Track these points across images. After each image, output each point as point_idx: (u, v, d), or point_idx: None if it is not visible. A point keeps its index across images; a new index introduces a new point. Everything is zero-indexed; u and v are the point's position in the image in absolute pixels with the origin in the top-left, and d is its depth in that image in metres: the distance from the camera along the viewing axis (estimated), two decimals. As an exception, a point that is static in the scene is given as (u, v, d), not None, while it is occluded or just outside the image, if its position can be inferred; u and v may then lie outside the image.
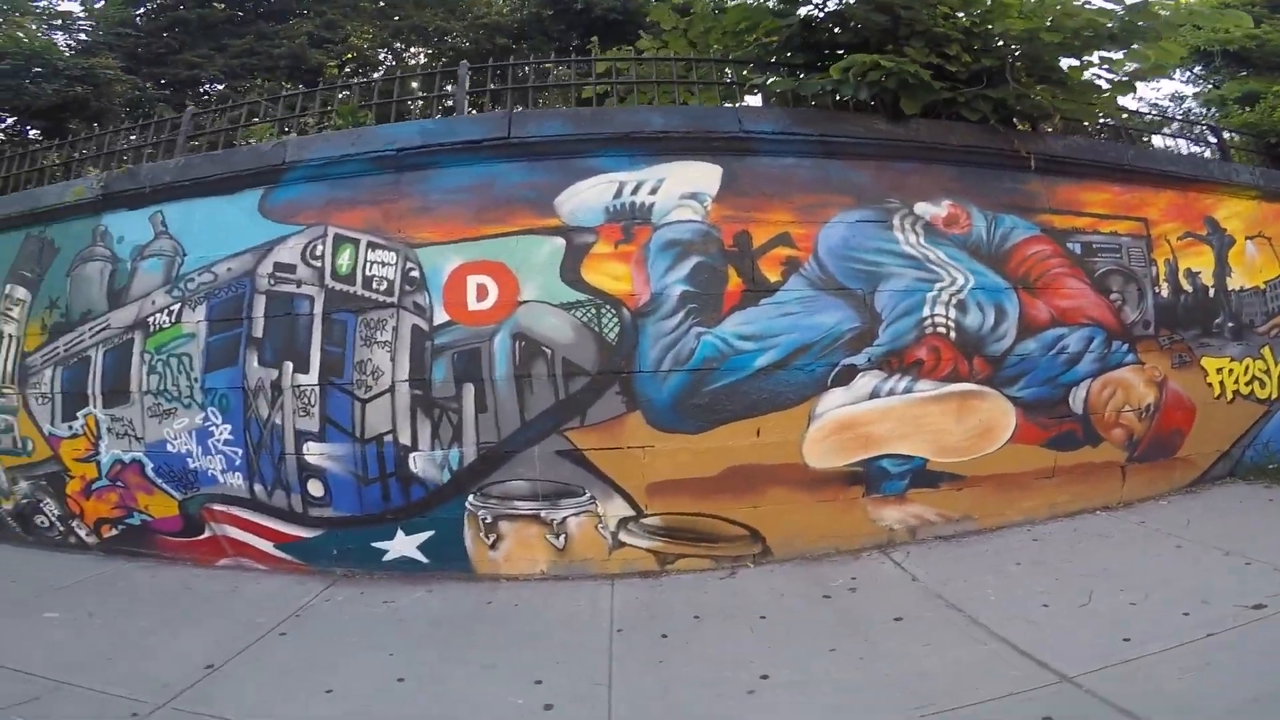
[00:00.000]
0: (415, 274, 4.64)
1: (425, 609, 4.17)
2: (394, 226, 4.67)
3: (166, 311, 4.97)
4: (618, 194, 4.60)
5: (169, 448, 4.95)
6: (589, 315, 4.52)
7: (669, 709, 2.94)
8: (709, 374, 4.50)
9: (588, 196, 4.60)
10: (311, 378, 4.67)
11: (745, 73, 5.31)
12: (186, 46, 9.31)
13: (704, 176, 4.62)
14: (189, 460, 4.91)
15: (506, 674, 3.27)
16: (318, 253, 4.72)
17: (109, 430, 5.11)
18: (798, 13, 4.98)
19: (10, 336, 5.44)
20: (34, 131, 7.41)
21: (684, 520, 4.53)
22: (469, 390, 4.57)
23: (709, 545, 4.53)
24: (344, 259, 4.69)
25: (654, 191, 4.60)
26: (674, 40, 5.60)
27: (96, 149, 5.76)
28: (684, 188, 4.60)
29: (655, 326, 4.51)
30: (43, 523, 5.53)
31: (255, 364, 4.76)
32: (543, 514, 4.53)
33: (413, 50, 11.41)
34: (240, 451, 4.81)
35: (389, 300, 4.64)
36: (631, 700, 2.99)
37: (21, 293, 5.43)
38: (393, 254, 4.66)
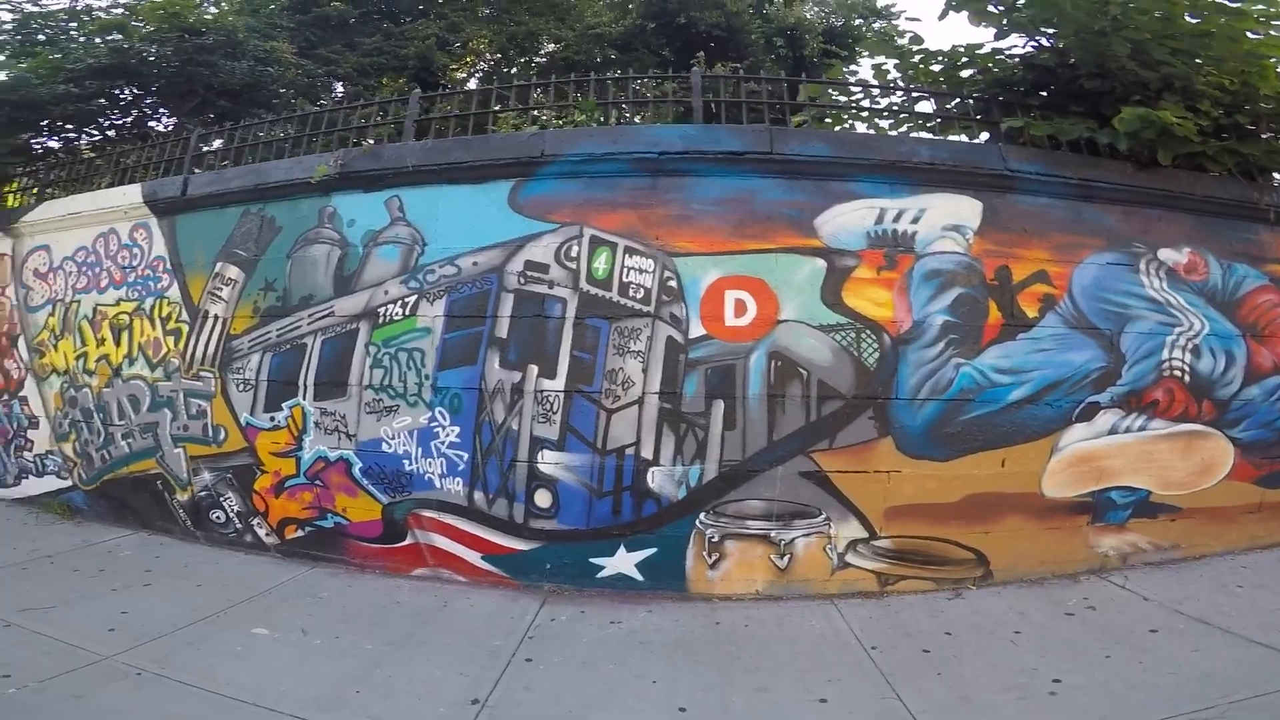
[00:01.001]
0: (673, 284, 4.57)
1: (657, 630, 4.05)
2: (652, 233, 4.60)
3: (401, 303, 4.80)
4: (879, 220, 4.61)
5: (384, 447, 4.78)
6: (848, 339, 4.50)
7: (977, 710, 2.97)
8: (964, 404, 4.49)
9: (849, 220, 4.60)
10: (558, 383, 4.56)
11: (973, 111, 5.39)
12: (322, 42, 9.26)
13: (966, 210, 4.65)
14: (405, 462, 4.74)
15: (785, 695, 3.20)
16: (573, 254, 4.64)
17: (317, 425, 4.92)
18: (1016, 54, 5.05)
19: (217, 317, 5.27)
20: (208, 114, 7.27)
21: (915, 543, 4.50)
22: (719, 407, 4.49)
23: (934, 568, 4.51)
24: (600, 262, 4.62)
25: (915, 220, 4.62)
26: (880, 72, 5.67)
27: (315, 127, 5.59)
28: (946, 219, 4.63)
29: (915, 354, 4.50)
30: (219, 518, 5.32)
31: (496, 365, 4.64)
32: (773, 534, 4.46)
33: (524, 58, 11.43)
34: (466, 456, 4.65)
35: (645, 309, 4.57)
36: (932, 709, 3.00)
37: (234, 272, 5.26)
38: (650, 261, 4.59)
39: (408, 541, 4.79)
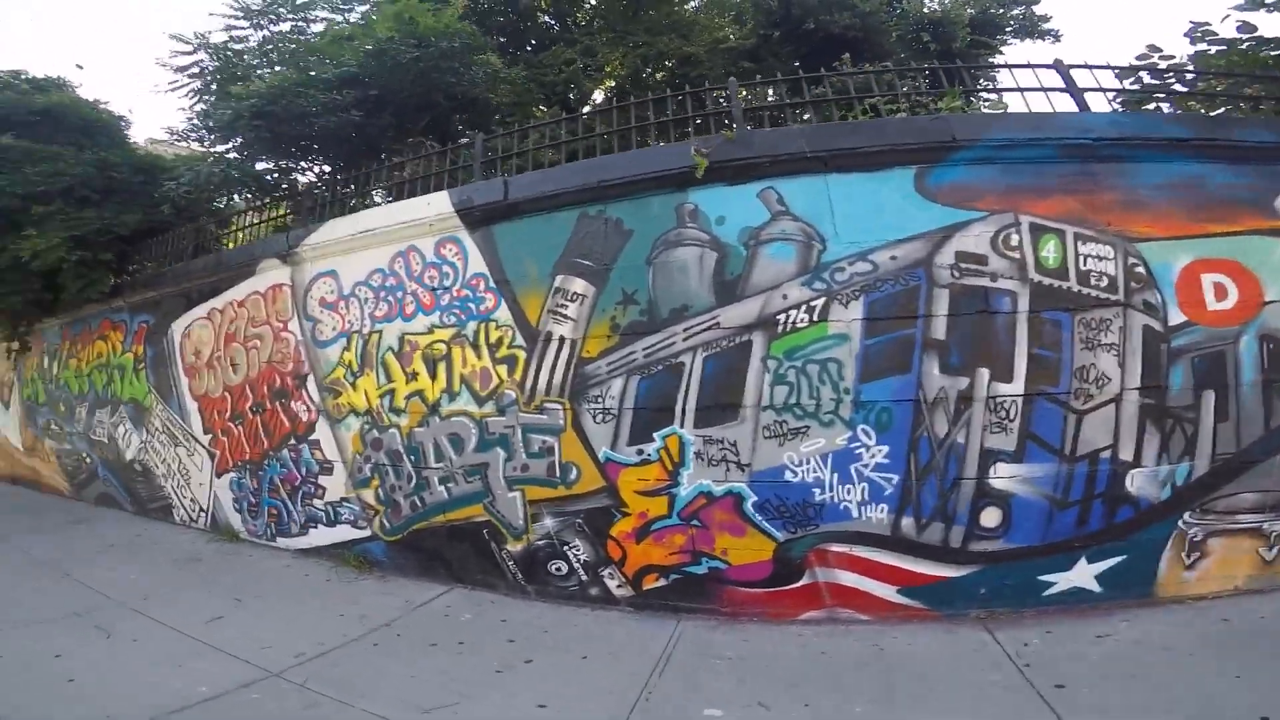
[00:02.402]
0: (1140, 270, 4.08)
1: (1164, 636, 3.60)
2: (1103, 219, 4.11)
3: (805, 308, 4.20)
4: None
5: (787, 476, 4.19)
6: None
7: None
8: None
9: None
10: (1015, 387, 3.99)
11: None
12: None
13: None
14: (815, 492, 4.16)
15: None
16: (1013, 243, 4.07)
17: (698, 456, 4.32)
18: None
19: (563, 340, 4.69)
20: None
21: None
22: (1208, 398, 3.98)
23: None
24: (1049, 251, 4.07)
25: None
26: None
27: (643, 116, 5.12)
28: None
29: None
30: (558, 570, 4.74)
31: (936, 371, 4.05)
32: (1264, 526, 4.01)
33: (660, 75, 10.99)
34: (895, 478, 4.09)
35: (1112, 298, 3.97)
36: None
37: (579, 285, 4.67)
38: (1108, 247, 4.08)
39: (803, 582, 4.22)
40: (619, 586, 4.56)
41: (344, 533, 5.71)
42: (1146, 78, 5.21)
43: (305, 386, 5.87)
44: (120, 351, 7.85)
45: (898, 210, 4.17)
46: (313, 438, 5.84)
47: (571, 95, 10.92)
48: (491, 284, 4.98)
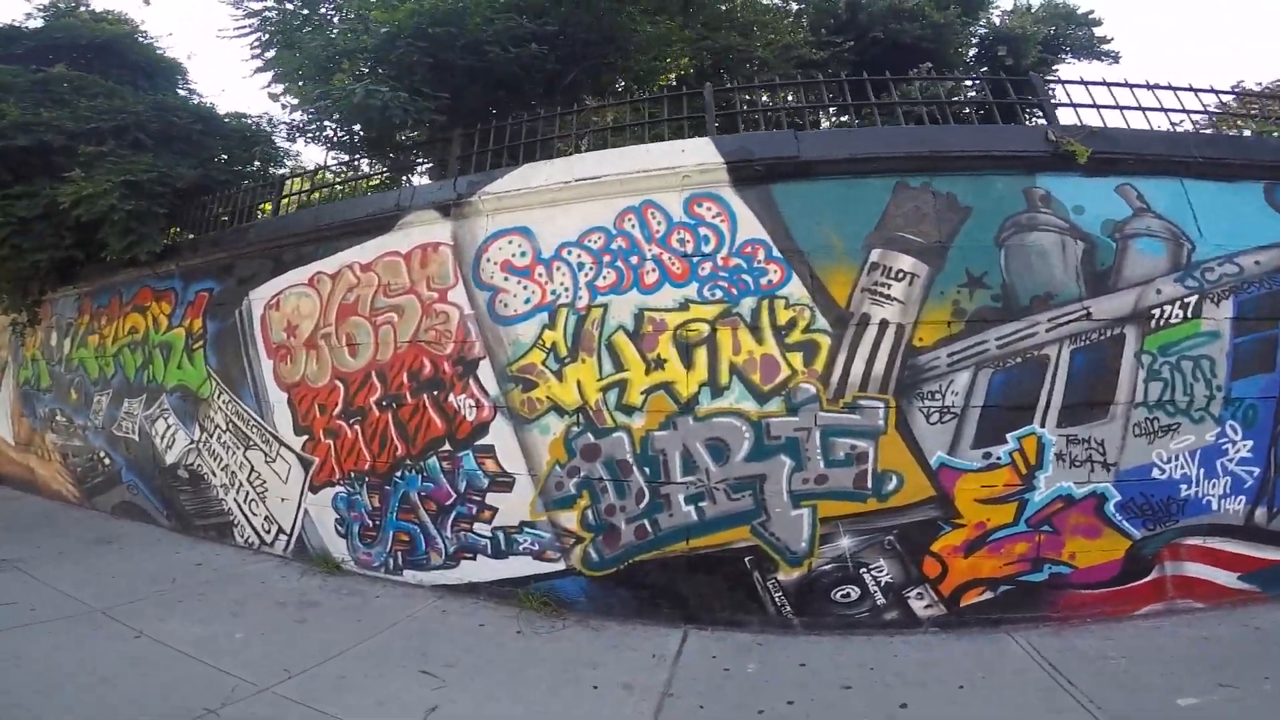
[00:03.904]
0: None
1: None
2: None
3: (1179, 304, 3.87)
4: None
5: (1154, 474, 3.87)
6: None
7: None
8: None
9: None
10: None
11: None
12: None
13: None
14: (1180, 488, 3.90)
15: None
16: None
17: (1059, 457, 3.83)
18: None
19: (885, 324, 3.87)
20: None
21: None
22: None
23: None
24: None
25: None
26: None
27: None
28: None
29: None
30: (845, 596, 3.95)
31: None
32: None
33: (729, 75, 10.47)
34: (1255, 471, 3.93)
35: None
36: None
37: (907, 263, 3.90)
38: None
39: (1149, 577, 3.90)
40: (927, 607, 3.88)
41: (520, 566, 4.48)
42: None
43: (474, 375, 4.62)
44: (166, 327, 6.17)
45: (1251, 220, 4.14)
46: (482, 442, 4.58)
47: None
48: (775, 253, 4.07)
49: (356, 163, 5.72)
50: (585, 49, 5.67)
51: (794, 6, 11.89)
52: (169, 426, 6.02)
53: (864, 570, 3.91)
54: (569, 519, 4.35)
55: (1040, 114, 4.81)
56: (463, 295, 4.70)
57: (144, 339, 6.35)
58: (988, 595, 3.86)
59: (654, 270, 4.25)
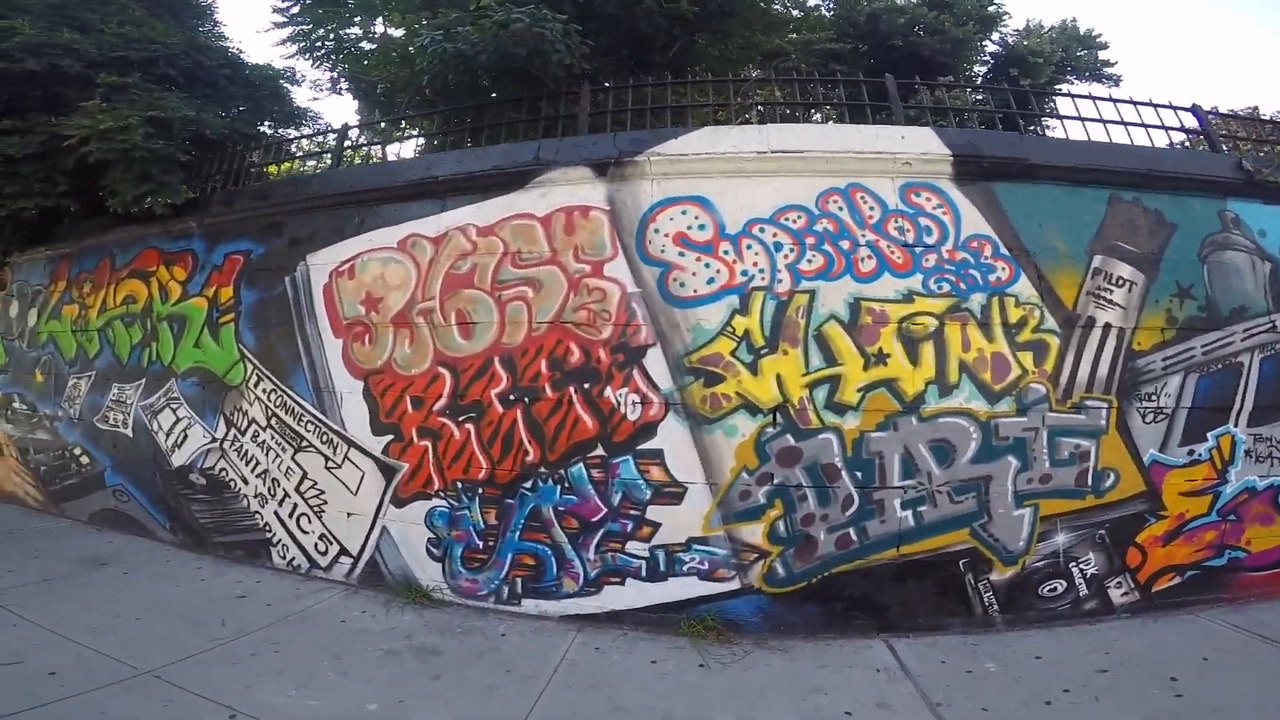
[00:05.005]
0: None
1: None
2: None
3: None
4: None
5: None
6: None
7: None
8: None
9: None
10: None
11: None
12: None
13: None
14: None
15: None
16: None
17: (1247, 454, 4.10)
18: None
19: (1108, 327, 3.84)
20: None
21: None
22: None
23: None
24: None
25: None
26: None
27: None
28: None
29: None
30: (1052, 590, 3.91)
31: None
32: None
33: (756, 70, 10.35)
34: None
35: None
36: None
37: (1126, 270, 3.93)
38: None
39: None
40: (1124, 595, 3.93)
41: (681, 588, 3.86)
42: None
43: (640, 364, 3.94)
44: (178, 296, 4.75)
45: None
46: (648, 446, 3.90)
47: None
48: (1002, 250, 3.90)
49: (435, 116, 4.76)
50: (706, 20, 5.18)
51: (820, 11, 11.97)
52: (179, 420, 4.61)
53: (1073, 564, 3.85)
54: (753, 532, 3.82)
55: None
56: (624, 269, 4.02)
57: (145, 310, 4.91)
58: (1175, 580, 3.98)
59: (870, 257, 3.89)
